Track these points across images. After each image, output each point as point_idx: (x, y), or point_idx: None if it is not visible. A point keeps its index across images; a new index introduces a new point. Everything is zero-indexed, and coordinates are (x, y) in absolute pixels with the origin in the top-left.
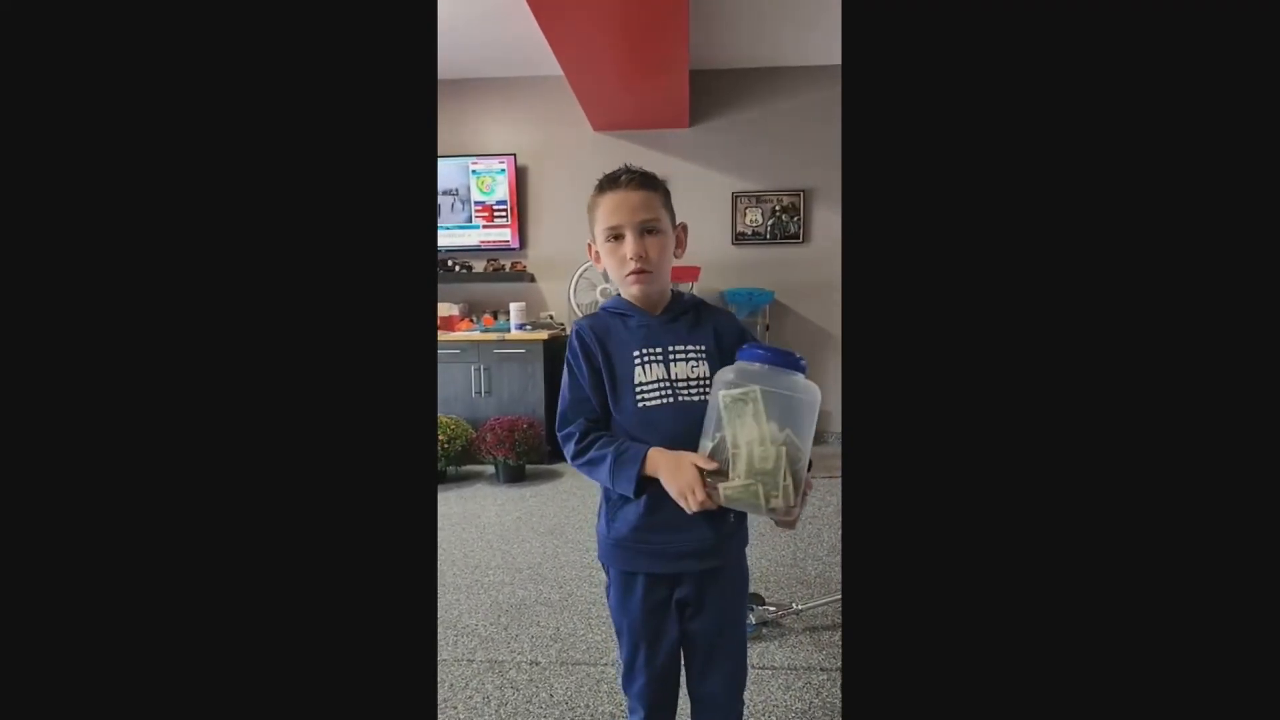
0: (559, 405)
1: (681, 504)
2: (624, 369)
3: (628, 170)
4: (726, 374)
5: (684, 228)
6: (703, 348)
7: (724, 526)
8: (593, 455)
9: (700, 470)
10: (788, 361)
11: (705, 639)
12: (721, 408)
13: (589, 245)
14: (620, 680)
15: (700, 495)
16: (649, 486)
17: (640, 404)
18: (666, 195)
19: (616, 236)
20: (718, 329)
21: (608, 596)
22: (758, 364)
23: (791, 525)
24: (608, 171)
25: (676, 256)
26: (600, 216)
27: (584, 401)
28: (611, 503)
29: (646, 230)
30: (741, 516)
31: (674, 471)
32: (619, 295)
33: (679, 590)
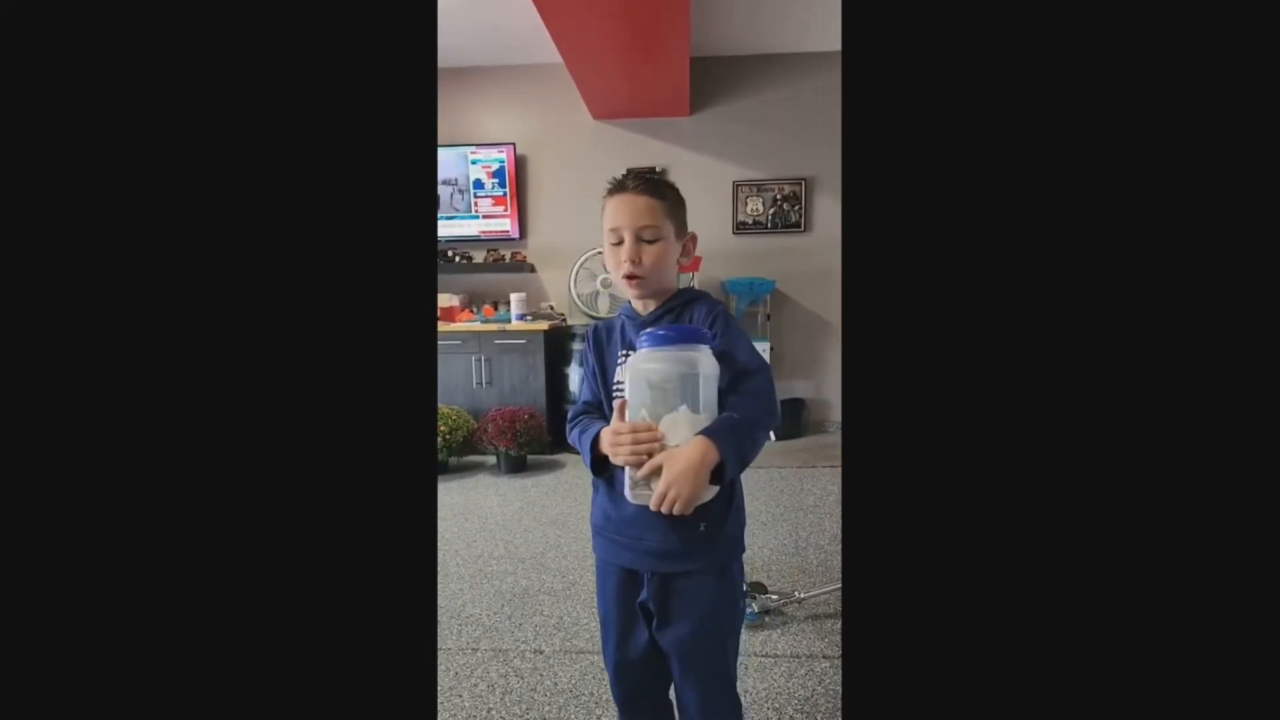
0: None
1: (621, 461)
2: (611, 368)
3: (636, 174)
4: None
5: (693, 238)
6: None
7: (690, 532)
8: (572, 434)
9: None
10: (677, 337)
11: (677, 651)
12: None
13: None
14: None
15: (621, 441)
16: (612, 467)
17: (616, 400)
18: (676, 204)
19: (618, 241)
20: (693, 321)
21: None
22: (648, 350)
23: (658, 505)
24: (610, 166)
25: (682, 265)
26: (607, 217)
27: (592, 384)
28: (594, 488)
29: (644, 238)
30: (714, 526)
31: (610, 431)
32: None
33: (644, 591)
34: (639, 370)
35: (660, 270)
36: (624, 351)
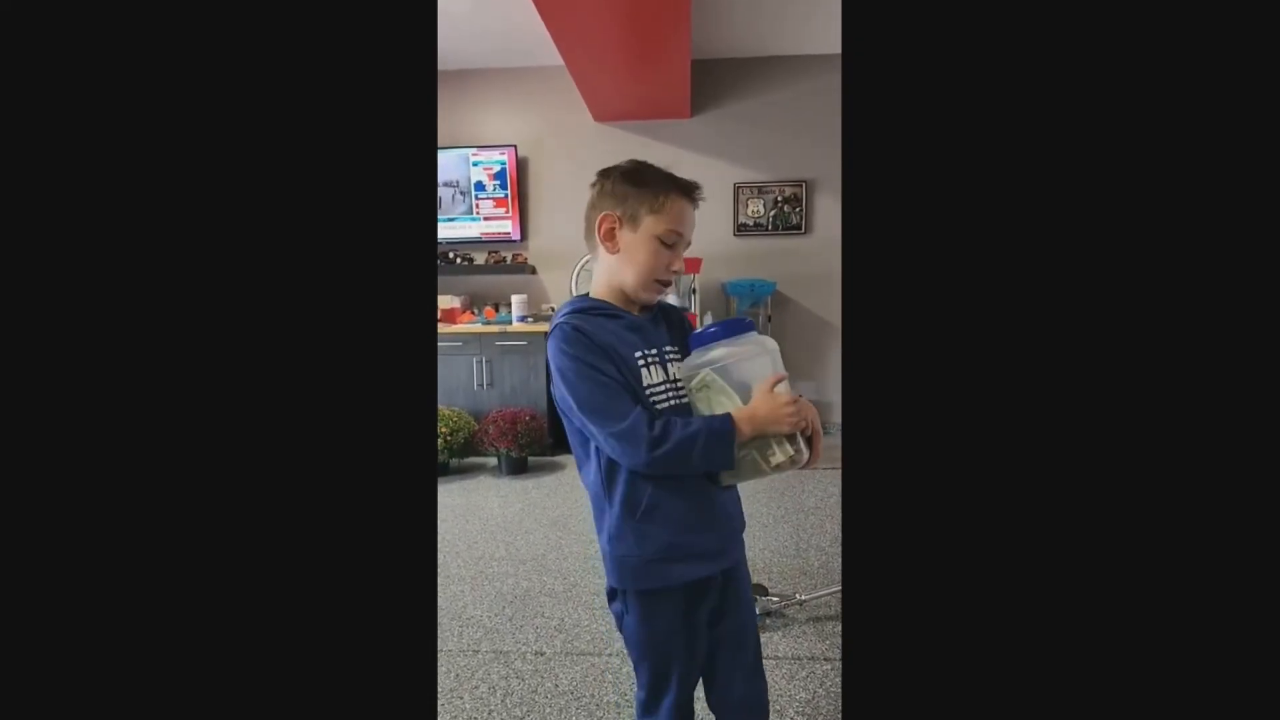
0: (588, 405)
1: (794, 429)
2: (637, 369)
3: (694, 185)
4: (684, 372)
5: None
6: (677, 349)
7: (738, 520)
8: (676, 442)
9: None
10: (730, 330)
11: (732, 638)
12: (693, 406)
13: (605, 216)
14: (641, 707)
15: (798, 410)
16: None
17: (655, 407)
18: None
19: (671, 244)
20: (682, 328)
21: (619, 626)
22: (705, 347)
23: (811, 462)
24: (635, 161)
25: None
26: (668, 215)
27: (625, 394)
28: (640, 516)
29: (682, 249)
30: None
31: (770, 408)
32: (588, 294)
33: (706, 601)
34: (770, 351)
35: None
36: (646, 352)
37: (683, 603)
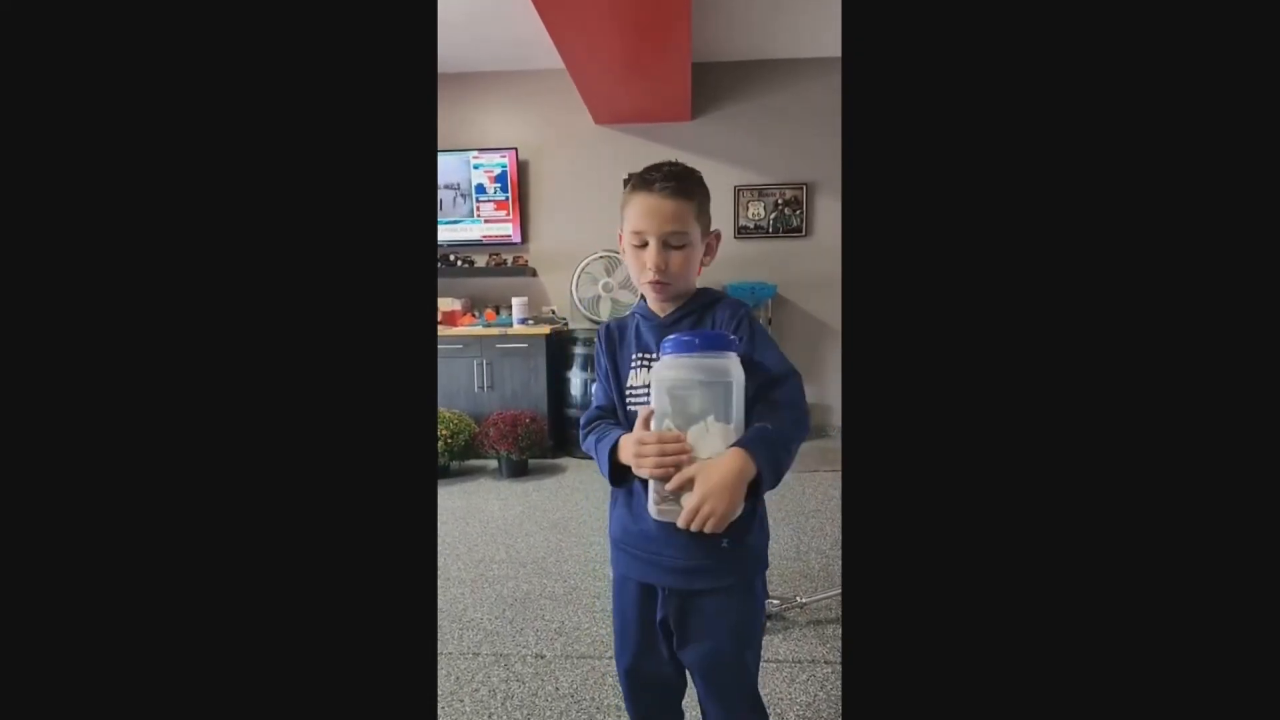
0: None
1: (647, 473)
2: (624, 372)
3: (665, 172)
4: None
5: (717, 235)
6: None
7: (712, 548)
8: (588, 441)
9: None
10: (695, 344)
11: (699, 668)
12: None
13: (620, 235)
14: (617, 655)
15: (646, 451)
16: (631, 477)
17: (629, 408)
18: (703, 201)
19: (641, 244)
20: (715, 325)
21: None
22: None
23: (685, 521)
24: (612, 170)
25: (705, 264)
26: (630, 217)
27: (605, 387)
28: (611, 497)
29: (671, 244)
30: (737, 541)
31: (631, 439)
32: (644, 297)
33: (661, 609)
34: (663, 378)
35: (686, 275)
36: (639, 354)
37: (641, 596)
